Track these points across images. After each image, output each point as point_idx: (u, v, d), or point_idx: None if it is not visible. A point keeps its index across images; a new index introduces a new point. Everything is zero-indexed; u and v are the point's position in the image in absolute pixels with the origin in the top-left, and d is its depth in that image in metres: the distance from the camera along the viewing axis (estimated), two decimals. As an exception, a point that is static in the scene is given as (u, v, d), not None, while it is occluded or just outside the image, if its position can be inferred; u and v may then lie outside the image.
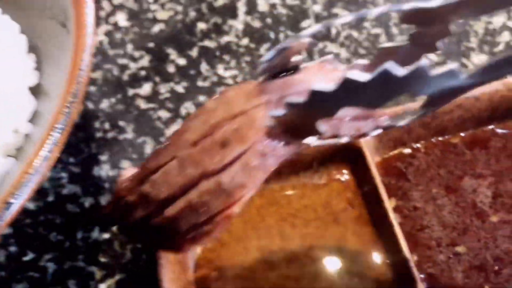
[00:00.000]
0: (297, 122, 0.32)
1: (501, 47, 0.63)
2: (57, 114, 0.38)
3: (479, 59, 0.62)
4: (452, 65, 0.27)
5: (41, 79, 0.46)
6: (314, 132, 0.33)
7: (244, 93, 0.35)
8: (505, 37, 0.64)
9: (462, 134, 0.54)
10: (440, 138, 0.53)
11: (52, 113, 0.39)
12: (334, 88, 0.28)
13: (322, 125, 0.32)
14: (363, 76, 0.27)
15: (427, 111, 0.33)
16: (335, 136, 0.36)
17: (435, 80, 0.28)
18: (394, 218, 0.47)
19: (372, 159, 0.51)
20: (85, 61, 0.40)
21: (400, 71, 0.27)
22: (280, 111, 0.33)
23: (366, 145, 0.50)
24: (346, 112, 0.35)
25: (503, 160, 0.52)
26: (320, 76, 0.37)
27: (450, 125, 0.53)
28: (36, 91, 0.46)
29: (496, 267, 0.48)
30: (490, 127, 0.54)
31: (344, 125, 0.35)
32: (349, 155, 0.50)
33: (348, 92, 0.28)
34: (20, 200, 0.34)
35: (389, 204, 0.48)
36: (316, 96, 0.29)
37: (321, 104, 0.30)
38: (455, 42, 0.63)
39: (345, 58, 0.62)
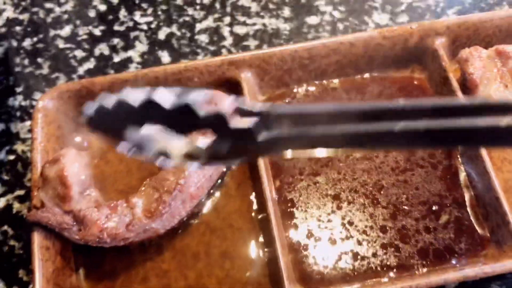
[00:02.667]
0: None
1: (403, 7, 0.66)
2: None
3: (380, 18, 0.66)
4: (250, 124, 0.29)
5: None
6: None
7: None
8: (408, -2, 0.67)
9: (342, 79, 0.57)
10: (320, 82, 0.57)
11: None
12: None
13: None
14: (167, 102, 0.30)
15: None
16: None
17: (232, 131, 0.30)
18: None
19: (256, 97, 0.55)
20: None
21: (201, 111, 0.30)
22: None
23: (246, 80, 0.54)
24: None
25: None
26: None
27: (329, 69, 0.57)
28: None
29: (350, 197, 0.51)
30: (370, 74, 0.58)
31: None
32: (230, 88, 0.54)
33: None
34: None
35: (256, 133, 0.52)
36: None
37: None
38: (360, 0, 0.67)
39: (255, 12, 0.67)
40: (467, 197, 0.51)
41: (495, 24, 0.56)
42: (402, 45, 0.55)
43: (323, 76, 0.57)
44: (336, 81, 0.57)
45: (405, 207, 0.50)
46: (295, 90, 0.57)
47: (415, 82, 0.57)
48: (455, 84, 0.53)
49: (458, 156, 0.53)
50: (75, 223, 0.46)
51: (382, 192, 0.51)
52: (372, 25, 0.65)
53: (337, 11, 0.66)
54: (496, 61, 0.54)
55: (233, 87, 0.55)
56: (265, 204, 0.48)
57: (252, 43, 0.64)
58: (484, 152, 0.50)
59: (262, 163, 0.50)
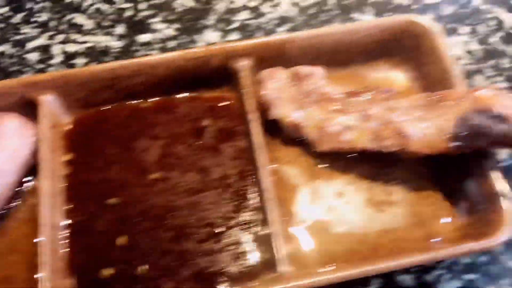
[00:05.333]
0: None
1: (236, 25, 0.67)
2: None
3: (211, 36, 0.66)
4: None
5: None
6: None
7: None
8: (242, 15, 0.67)
9: (152, 99, 0.58)
10: (130, 102, 0.57)
11: None
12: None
13: None
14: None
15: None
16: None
17: None
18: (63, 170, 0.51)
19: (61, 119, 0.55)
20: None
21: None
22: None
23: (45, 103, 0.54)
24: None
25: (184, 124, 0.56)
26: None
27: (138, 90, 0.57)
28: None
29: (139, 219, 0.51)
30: (183, 94, 0.58)
31: None
32: (32, 112, 0.54)
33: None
34: None
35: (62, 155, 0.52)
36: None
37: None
38: (195, 18, 0.67)
39: (88, 29, 0.67)
40: (253, 218, 0.51)
41: (297, 46, 0.56)
42: (205, 66, 0.56)
43: (134, 97, 0.57)
44: (150, 100, 0.58)
45: (191, 230, 0.51)
46: (102, 112, 0.57)
47: (224, 103, 0.57)
48: (252, 106, 0.54)
49: (250, 176, 0.53)
50: None
51: (171, 214, 0.52)
52: (201, 43, 0.65)
53: (171, 29, 0.66)
54: (295, 82, 0.54)
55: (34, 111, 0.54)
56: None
57: (81, 61, 0.64)
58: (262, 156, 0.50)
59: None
